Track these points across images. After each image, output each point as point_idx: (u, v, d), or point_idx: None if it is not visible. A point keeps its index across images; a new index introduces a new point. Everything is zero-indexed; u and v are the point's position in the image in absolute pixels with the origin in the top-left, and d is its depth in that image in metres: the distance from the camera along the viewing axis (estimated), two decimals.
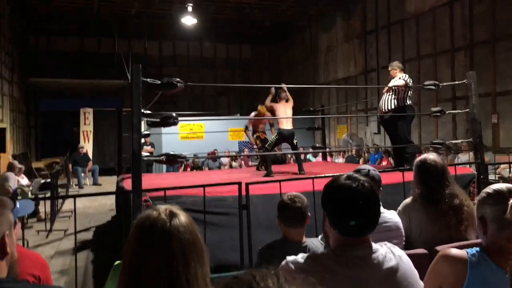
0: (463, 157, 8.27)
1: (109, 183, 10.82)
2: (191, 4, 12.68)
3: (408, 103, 5.74)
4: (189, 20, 13.49)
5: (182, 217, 1.17)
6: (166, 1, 12.78)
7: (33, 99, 15.80)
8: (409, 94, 5.74)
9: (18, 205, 1.57)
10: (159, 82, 4.04)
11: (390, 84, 5.81)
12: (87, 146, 13.22)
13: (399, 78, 5.72)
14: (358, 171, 2.26)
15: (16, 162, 7.97)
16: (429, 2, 10.27)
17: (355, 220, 1.36)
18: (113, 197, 8.11)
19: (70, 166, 11.86)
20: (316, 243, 2.31)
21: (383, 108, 5.82)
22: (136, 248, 1.13)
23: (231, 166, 11.25)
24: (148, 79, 3.92)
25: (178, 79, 4.13)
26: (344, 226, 1.37)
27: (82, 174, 11.93)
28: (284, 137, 6.26)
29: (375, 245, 1.40)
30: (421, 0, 10.51)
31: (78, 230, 5.61)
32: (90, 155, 13.06)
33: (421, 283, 1.41)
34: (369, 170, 2.31)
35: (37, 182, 7.97)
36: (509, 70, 8.45)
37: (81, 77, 15.08)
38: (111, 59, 15.76)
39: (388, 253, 1.39)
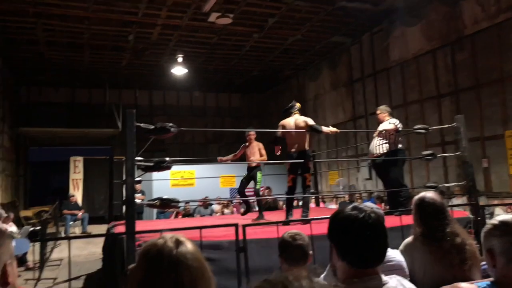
0: (457, 201, 8.29)
1: (98, 231, 10.61)
2: (181, 55, 12.99)
3: (400, 146, 5.81)
4: (179, 71, 13.77)
5: (189, 245, 1.16)
6: (156, 53, 13.09)
7: (23, 148, 15.69)
8: (399, 138, 5.83)
9: (14, 243, 1.53)
10: (152, 127, 4.08)
11: (380, 128, 5.89)
12: (76, 195, 13.04)
13: (389, 123, 5.81)
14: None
15: (2, 211, 7.82)
16: (412, 51, 10.66)
17: (364, 251, 1.33)
18: (101, 245, 7.92)
19: (65, 212, 11.76)
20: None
21: (375, 152, 5.87)
22: (143, 277, 1.10)
23: (223, 213, 11.10)
24: (141, 124, 3.96)
25: (171, 124, 4.18)
26: (353, 257, 1.34)
27: (70, 223, 11.70)
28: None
29: (384, 277, 1.37)
30: (405, 49, 10.90)
31: (67, 279, 5.45)
32: (80, 203, 12.89)
33: None
34: (372, 208, 2.29)
35: (26, 230, 7.81)
36: (495, 115, 8.64)
37: (72, 127, 15.12)
38: (102, 109, 15.91)
39: (399, 285, 1.36)
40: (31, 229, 7.96)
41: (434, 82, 10.12)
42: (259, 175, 6.57)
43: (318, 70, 14.88)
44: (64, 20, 10.27)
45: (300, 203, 6.12)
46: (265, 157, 6.71)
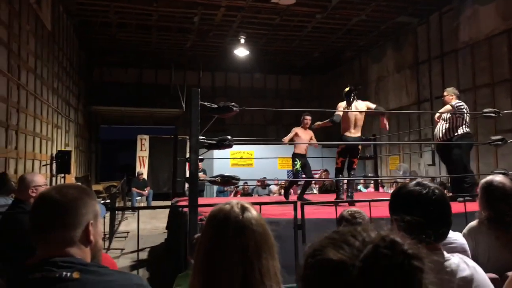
0: None
1: None
2: (244, 37, 13.12)
3: (466, 130, 5.58)
4: (241, 52, 13.94)
5: (254, 211, 1.22)
6: (220, 34, 13.32)
7: (95, 126, 16.74)
8: (465, 121, 5.59)
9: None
10: (216, 106, 4.24)
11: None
12: (142, 171, 13.74)
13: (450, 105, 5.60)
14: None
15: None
16: (485, 31, 10.04)
17: (427, 227, 1.32)
18: (165, 220, 8.35)
19: (133, 189, 12.46)
20: None
21: (439, 136, 5.69)
22: (210, 241, 1.17)
23: (280, 194, 11.25)
24: (205, 103, 4.13)
25: (233, 104, 4.33)
26: (415, 233, 1.35)
27: (137, 198, 12.38)
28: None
29: (447, 254, 1.37)
30: (476, 29, 10.29)
31: (134, 250, 5.83)
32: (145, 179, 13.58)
33: None
34: (436, 185, 2.27)
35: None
36: None
37: (139, 106, 15.86)
38: (167, 89, 16.50)
39: (462, 263, 1.35)
40: (102, 202, 8.55)
41: (508, 64, 9.49)
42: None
43: (381, 52, 14.42)
44: (134, 2, 10.73)
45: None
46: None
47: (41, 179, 3.11)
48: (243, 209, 1.21)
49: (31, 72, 8.48)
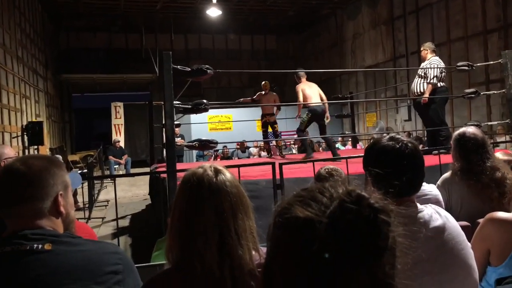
0: (499, 139, 8.05)
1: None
2: None
3: (441, 84, 5.62)
4: (213, 12, 13.54)
5: (227, 173, 1.21)
6: None
7: (67, 94, 16.25)
8: (442, 76, 5.62)
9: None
10: (189, 69, 4.12)
11: (423, 65, 5.72)
12: (119, 139, 13.54)
13: (430, 63, 5.60)
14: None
15: (59, 156, 8.30)
16: None
17: (401, 180, 1.32)
18: (145, 187, 8.32)
19: (110, 158, 12.24)
20: None
21: (416, 91, 5.72)
22: (185, 203, 1.16)
23: (260, 156, 11.30)
24: (178, 66, 4.00)
25: (207, 66, 4.20)
26: (389, 187, 1.35)
27: (115, 166, 12.25)
28: (317, 114, 6.21)
29: (420, 205, 1.39)
30: None
31: (115, 218, 5.81)
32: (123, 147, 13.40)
33: (468, 243, 1.39)
34: (409, 139, 2.27)
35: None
36: None
37: (110, 72, 15.41)
38: (139, 54, 16.03)
39: (434, 213, 1.37)
40: (79, 172, 8.42)
41: (481, 17, 9.51)
42: None
43: (357, 8, 14.23)
44: None
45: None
46: None
47: (11, 151, 3.00)
48: (217, 171, 1.20)
49: None
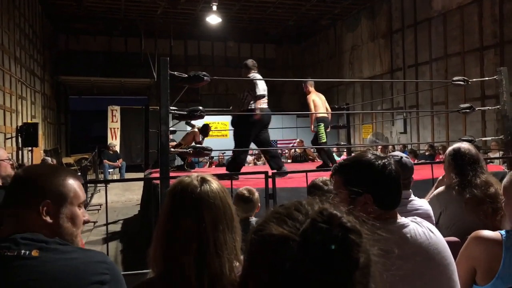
0: (493, 155, 8.08)
1: None
2: (216, 3, 12.77)
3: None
4: (213, 19, 13.59)
5: (214, 184, 1.20)
6: (192, 1, 12.92)
7: (64, 96, 16.21)
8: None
9: None
10: (186, 75, 4.13)
11: None
12: (114, 143, 13.49)
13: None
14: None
15: (48, 159, 8.22)
16: (457, 0, 10.08)
17: (381, 195, 1.36)
18: (139, 192, 8.28)
19: (105, 161, 12.16)
20: None
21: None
22: (169, 211, 1.17)
23: (255, 164, 11.29)
24: (175, 72, 4.01)
25: (204, 73, 4.21)
26: (370, 203, 1.35)
27: (109, 170, 12.19)
28: (327, 124, 6.30)
29: (404, 219, 1.39)
30: None
31: (107, 223, 5.77)
32: (118, 152, 13.33)
33: (453, 260, 1.39)
34: (401, 157, 2.29)
35: None
36: None
37: (108, 76, 15.39)
38: (138, 58, 16.04)
39: (419, 227, 1.38)
40: None
41: (478, 33, 9.60)
42: None
43: (356, 20, 14.34)
44: None
45: None
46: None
47: (3, 153, 2.99)
48: (203, 181, 1.20)
49: None
